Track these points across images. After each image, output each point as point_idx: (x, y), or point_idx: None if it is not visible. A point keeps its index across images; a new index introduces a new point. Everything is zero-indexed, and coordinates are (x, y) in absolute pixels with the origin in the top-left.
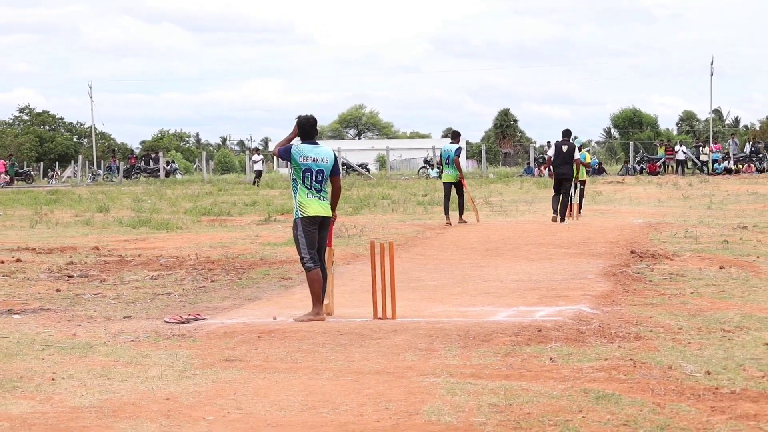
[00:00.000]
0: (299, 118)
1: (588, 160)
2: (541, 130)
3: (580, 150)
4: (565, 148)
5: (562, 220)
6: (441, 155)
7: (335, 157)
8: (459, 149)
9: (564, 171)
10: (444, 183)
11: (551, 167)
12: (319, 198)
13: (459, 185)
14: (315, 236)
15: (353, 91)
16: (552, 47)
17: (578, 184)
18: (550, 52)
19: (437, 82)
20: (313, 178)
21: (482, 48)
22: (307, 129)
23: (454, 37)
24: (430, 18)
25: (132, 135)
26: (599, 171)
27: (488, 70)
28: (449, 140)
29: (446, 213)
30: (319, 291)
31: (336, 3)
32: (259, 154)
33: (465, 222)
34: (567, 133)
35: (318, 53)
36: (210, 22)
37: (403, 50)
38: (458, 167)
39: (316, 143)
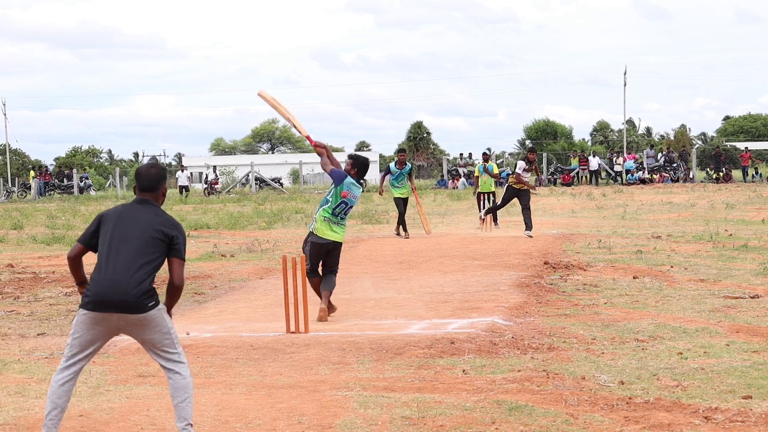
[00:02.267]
0: (359, 157)
1: (496, 171)
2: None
3: (487, 161)
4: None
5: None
6: (392, 174)
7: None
8: (411, 168)
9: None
10: (395, 198)
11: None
12: (337, 224)
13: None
14: (320, 254)
15: (234, 106)
16: (428, 60)
17: (489, 196)
18: (427, 64)
19: (319, 96)
20: (343, 211)
21: (358, 62)
22: (362, 169)
23: (328, 51)
24: (304, 33)
25: (44, 152)
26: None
27: (371, 84)
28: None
29: (404, 228)
30: (317, 293)
31: (206, 17)
32: (185, 171)
33: (404, 234)
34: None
35: (198, 68)
36: (78, 37)
37: (281, 64)
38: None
39: (360, 183)
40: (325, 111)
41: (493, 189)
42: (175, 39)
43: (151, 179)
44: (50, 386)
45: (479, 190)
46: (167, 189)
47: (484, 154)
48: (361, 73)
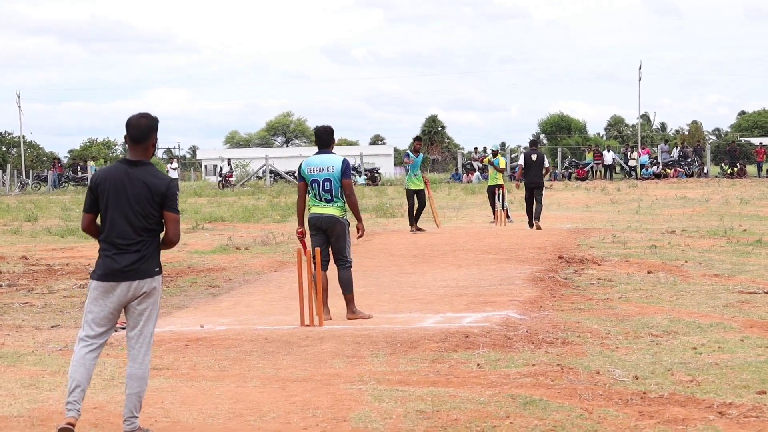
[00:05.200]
0: (315, 128)
1: (502, 166)
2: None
3: (495, 156)
4: (534, 157)
5: (536, 227)
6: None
7: (344, 163)
8: (423, 158)
9: (535, 180)
10: (408, 190)
11: (522, 177)
12: (329, 205)
13: (423, 192)
14: (317, 239)
15: (246, 101)
16: (439, 55)
17: (498, 190)
18: (438, 60)
19: (330, 91)
20: (321, 188)
21: (368, 57)
22: (317, 138)
23: (339, 46)
24: (315, 28)
25: (59, 144)
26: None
27: (382, 78)
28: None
29: (411, 221)
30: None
31: (218, 11)
32: (173, 163)
33: (422, 230)
34: (534, 143)
35: (210, 62)
36: (89, 32)
37: (292, 59)
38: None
39: (328, 152)
40: (336, 106)
41: (501, 182)
42: (186, 34)
43: (142, 129)
44: None
45: (489, 183)
46: (157, 140)
47: (493, 149)
48: (372, 68)
